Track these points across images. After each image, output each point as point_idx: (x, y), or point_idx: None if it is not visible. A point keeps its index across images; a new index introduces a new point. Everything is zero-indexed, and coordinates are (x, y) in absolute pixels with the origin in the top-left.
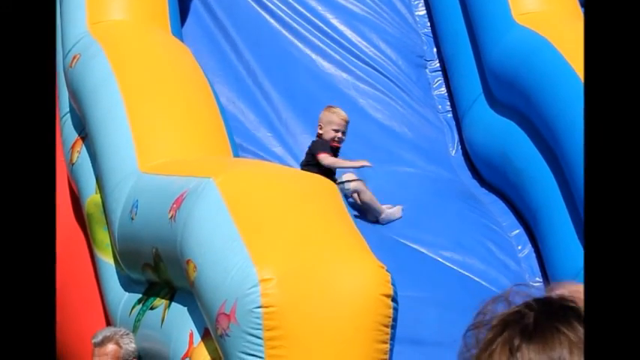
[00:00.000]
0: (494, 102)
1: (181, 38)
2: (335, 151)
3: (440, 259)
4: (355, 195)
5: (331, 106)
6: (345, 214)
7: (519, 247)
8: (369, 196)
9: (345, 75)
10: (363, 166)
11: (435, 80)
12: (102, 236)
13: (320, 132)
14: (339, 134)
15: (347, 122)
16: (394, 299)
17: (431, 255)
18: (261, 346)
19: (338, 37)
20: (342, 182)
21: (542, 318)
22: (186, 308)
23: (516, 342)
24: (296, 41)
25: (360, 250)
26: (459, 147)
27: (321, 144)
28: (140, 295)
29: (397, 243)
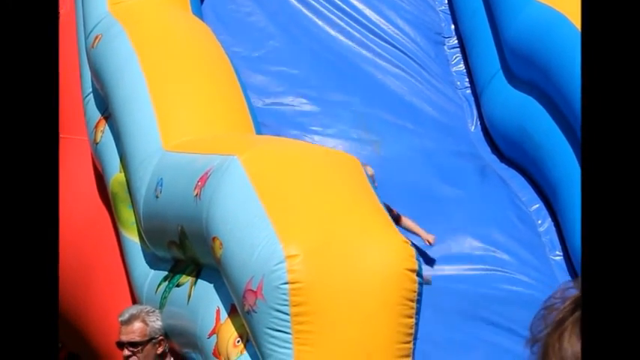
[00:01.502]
0: (513, 78)
1: (201, 17)
2: None
3: (461, 234)
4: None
5: None
6: (370, 191)
7: (539, 222)
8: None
9: (364, 52)
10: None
11: (454, 57)
12: (127, 215)
13: None
14: None
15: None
16: (419, 274)
17: (451, 230)
18: (287, 322)
19: (357, 15)
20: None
21: None
22: (212, 285)
23: None
24: (315, 19)
25: (384, 226)
26: (478, 123)
27: None
28: (166, 273)
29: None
